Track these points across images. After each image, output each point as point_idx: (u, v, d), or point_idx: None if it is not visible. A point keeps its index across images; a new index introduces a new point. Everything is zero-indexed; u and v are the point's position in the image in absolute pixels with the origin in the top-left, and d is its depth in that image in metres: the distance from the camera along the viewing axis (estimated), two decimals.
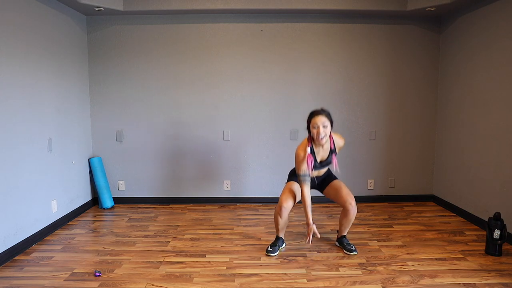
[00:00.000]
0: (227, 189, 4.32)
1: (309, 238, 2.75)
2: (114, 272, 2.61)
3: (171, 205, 4.26)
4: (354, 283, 2.44)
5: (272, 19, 4.11)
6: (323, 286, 2.41)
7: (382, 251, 2.95)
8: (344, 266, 2.68)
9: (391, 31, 4.15)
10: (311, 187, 2.98)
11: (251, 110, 4.22)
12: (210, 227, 3.56)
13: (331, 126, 2.72)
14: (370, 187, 4.36)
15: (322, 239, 3.20)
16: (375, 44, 4.16)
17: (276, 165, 4.29)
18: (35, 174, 3.17)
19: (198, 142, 4.25)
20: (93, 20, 4.08)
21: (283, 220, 2.92)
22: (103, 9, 3.73)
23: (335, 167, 2.87)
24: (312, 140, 2.76)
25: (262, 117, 4.23)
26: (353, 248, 2.93)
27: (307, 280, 2.48)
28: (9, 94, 2.85)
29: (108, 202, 4.12)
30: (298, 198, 2.92)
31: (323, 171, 3.00)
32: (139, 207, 4.19)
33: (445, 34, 4.09)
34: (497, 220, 2.84)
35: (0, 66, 2.74)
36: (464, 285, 2.40)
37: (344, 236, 3.03)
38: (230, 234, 3.36)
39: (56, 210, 3.49)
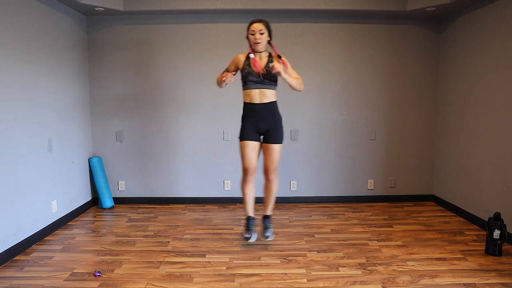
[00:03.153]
0: (227, 189, 4.32)
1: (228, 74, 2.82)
2: (114, 272, 2.61)
3: (171, 205, 4.26)
4: (354, 283, 2.44)
5: (272, 19, 4.08)
6: (323, 286, 2.41)
7: (382, 251, 2.95)
8: (344, 266, 2.68)
9: (391, 31, 4.15)
10: (257, 129, 2.91)
11: None
12: (210, 227, 3.56)
13: (270, 36, 2.86)
14: (370, 187, 4.36)
15: (322, 239, 3.20)
16: (375, 44, 4.16)
17: None
18: (35, 174, 3.16)
19: (198, 142, 4.25)
20: (93, 20, 4.08)
21: (251, 191, 2.97)
22: (103, 9, 3.73)
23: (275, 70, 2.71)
24: (252, 50, 2.89)
25: None
26: (267, 234, 2.95)
27: (307, 280, 2.48)
28: (9, 94, 2.85)
29: (108, 202, 4.12)
30: (258, 154, 2.94)
31: (265, 93, 2.82)
32: (139, 207, 4.19)
33: (445, 34, 4.09)
34: (497, 220, 2.84)
35: (0, 66, 2.75)
36: (464, 285, 2.40)
37: (267, 216, 3.05)
38: (230, 234, 3.36)
39: (56, 210, 3.49)
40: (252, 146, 2.88)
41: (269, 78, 2.82)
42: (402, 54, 4.19)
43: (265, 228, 2.98)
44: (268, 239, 2.94)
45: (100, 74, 4.15)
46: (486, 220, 3.29)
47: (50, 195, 3.41)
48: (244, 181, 2.97)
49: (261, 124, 2.88)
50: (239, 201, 4.33)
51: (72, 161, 3.80)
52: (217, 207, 4.21)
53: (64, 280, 2.49)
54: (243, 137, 2.90)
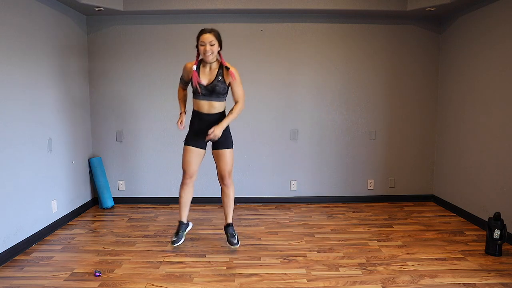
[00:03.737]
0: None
1: (179, 125, 2.91)
2: (114, 272, 2.61)
3: (171, 205, 4.26)
4: (354, 283, 2.44)
5: (272, 19, 4.11)
6: (323, 286, 2.41)
7: (382, 251, 2.95)
8: (344, 266, 2.68)
9: (391, 31, 4.15)
10: (204, 139, 2.92)
11: (251, 110, 4.21)
12: (210, 227, 3.56)
13: (220, 46, 2.79)
14: (370, 187, 4.36)
15: (322, 239, 3.20)
16: (375, 44, 4.16)
17: (276, 165, 4.29)
18: (35, 174, 3.16)
19: None
20: (93, 20, 4.08)
21: (188, 195, 2.98)
22: (103, 9, 3.73)
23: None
24: (201, 60, 2.84)
25: (262, 117, 4.23)
26: (235, 241, 2.94)
27: (307, 280, 2.48)
28: (9, 94, 2.85)
29: (108, 202, 4.12)
30: (200, 160, 2.97)
31: (214, 104, 2.84)
32: (139, 207, 4.19)
33: (445, 34, 4.09)
34: (497, 220, 2.84)
35: (0, 65, 2.75)
36: (464, 285, 2.40)
37: (229, 225, 3.04)
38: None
39: (56, 210, 3.49)
40: (194, 152, 2.91)
41: (217, 91, 2.82)
42: (402, 54, 4.19)
43: (231, 235, 2.98)
44: (235, 246, 2.95)
45: (100, 74, 4.15)
46: (486, 220, 3.29)
47: (50, 195, 3.41)
48: (182, 183, 2.98)
49: (208, 132, 2.87)
50: (239, 201, 4.33)
51: (72, 161, 3.80)
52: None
53: (64, 280, 2.49)
54: (187, 142, 2.94)
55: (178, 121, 2.94)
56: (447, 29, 4.04)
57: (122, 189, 4.31)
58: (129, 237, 3.29)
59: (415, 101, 4.26)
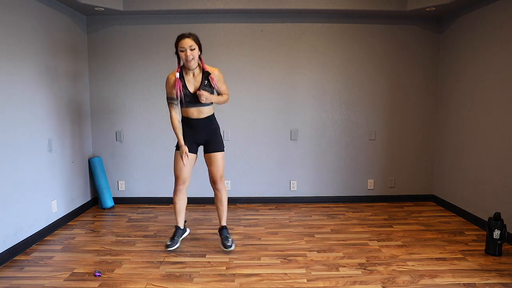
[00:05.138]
0: (227, 189, 4.30)
1: (185, 160, 2.86)
2: (114, 272, 2.61)
3: (171, 205, 4.25)
4: (354, 283, 2.44)
5: (272, 19, 4.11)
6: (323, 286, 2.41)
7: (382, 251, 2.95)
8: (344, 266, 2.68)
9: (391, 31, 4.15)
10: (194, 140, 2.92)
11: (251, 110, 4.22)
12: (210, 227, 3.56)
13: (200, 50, 2.74)
14: (370, 187, 4.36)
15: (322, 239, 3.20)
16: (375, 44, 4.16)
17: (276, 165, 4.29)
18: (35, 174, 3.16)
19: None
20: (93, 20, 4.08)
21: (182, 201, 2.96)
22: (103, 9, 3.73)
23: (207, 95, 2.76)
24: (182, 67, 2.79)
25: (262, 117, 4.23)
26: (229, 244, 2.91)
27: (307, 280, 2.48)
28: (9, 94, 2.85)
29: (108, 202, 4.12)
30: (192, 165, 2.95)
31: (202, 110, 2.83)
32: (139, 207, 4.19)
33: (445, 34, 4.09)
34: (497, 220, 2.84)
35: None
36: (464, 285, 2.40)
37: (224, 227, 3.02)
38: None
39: (56, 210, 3.49)
40: (187, 158, 2.88)
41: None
42: (402, 54, 4.19)
43: (225, 238, 2.96)
44: (229, 249, 2.93)
45: (100, 74, 4.15)
46: (486, 220, 3.29)
47: (50, 195, 3.41)
48: (175, 190, 2.95)
49: (199, 136, 2.89)
50: (239, 201, 4.33)
51: (72, 161, 3.80)
52: None
53: (64, 280, 2.49)
54: (178, 148, 2.91)
55: (183, 156, 2.85)
56: (447, 29, 4.04)
57: (122, 189, 4.31)
58: (129, 237, 3.29)
59: (415, 101, 4.26)
